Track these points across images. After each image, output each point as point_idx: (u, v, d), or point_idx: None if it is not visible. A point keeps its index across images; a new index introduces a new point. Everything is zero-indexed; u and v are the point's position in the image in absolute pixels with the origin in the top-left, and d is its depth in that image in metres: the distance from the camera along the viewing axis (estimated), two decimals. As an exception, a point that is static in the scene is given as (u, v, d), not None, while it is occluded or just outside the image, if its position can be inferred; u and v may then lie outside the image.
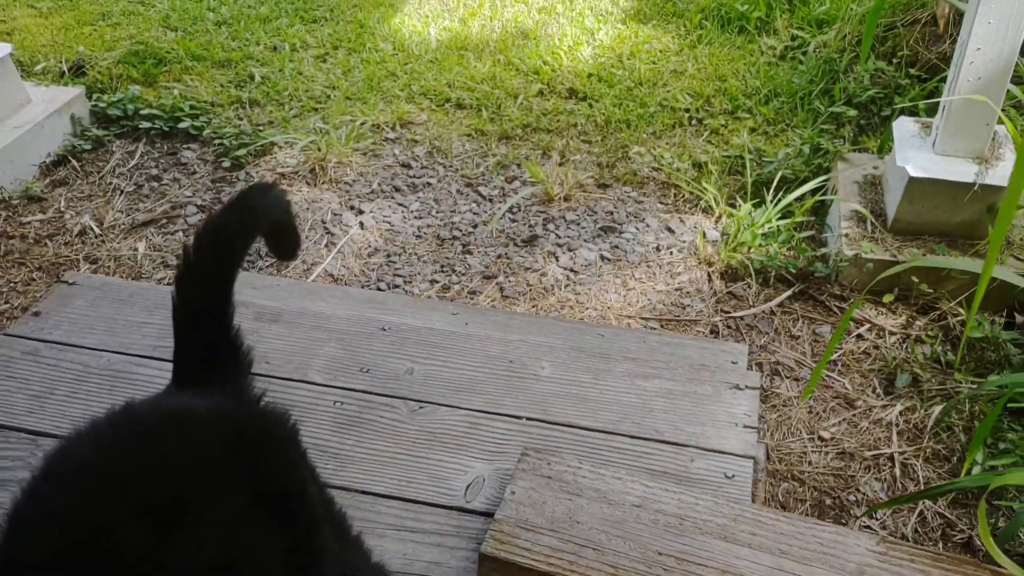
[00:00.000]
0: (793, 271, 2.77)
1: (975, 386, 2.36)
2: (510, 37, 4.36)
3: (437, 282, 2.85)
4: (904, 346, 2.54)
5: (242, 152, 3.42)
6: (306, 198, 3.22)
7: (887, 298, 2.65)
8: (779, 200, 2.95)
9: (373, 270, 2.90)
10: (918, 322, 2.60)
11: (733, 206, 3.09)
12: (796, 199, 2.95)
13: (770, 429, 2.32)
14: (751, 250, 2.84)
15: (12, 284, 2.82)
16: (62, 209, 3.17)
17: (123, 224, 3.11)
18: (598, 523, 1.65)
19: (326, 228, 3.08)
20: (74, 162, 3.41)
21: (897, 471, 2.21)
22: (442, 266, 2.92)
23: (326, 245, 3.01)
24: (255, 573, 1.05)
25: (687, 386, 2.10)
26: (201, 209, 3.18)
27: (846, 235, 2.73)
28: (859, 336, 2.60)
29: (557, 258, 2.95)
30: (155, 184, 3.32)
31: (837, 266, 2.70)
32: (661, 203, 3.21)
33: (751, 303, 2.73)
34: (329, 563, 1.13)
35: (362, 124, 3.64)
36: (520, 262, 2.93)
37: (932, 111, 3.01)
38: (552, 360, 2.21)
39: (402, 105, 3.81)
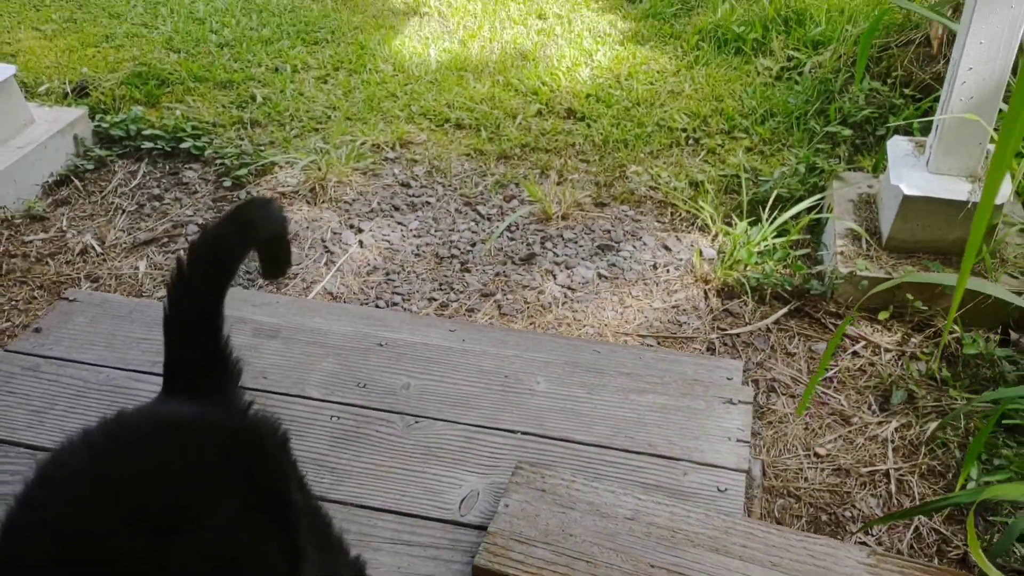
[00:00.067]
0: (789, 289, 2.79)
1: (969, 402, 2.37)
2: (509, 58, 4.40)
3: (435, 300, 2.87)
4: (900, 363, 2.56)
5: (243, 172, 3.45)
6: (306, 217, 3.24)
7: (883, 316, 2.66)
8: (775, 218, 2.97)
9: (372, 288, 2.92)
10: (913, 339, 2.62)
11: (729, 224, 3.11)
12: (792, 217, 2.98)
13: (766, 446, 2.33)
14: (747, 268, 2.86)
15: (14, 302, 2.84)
16: (64, 228, 3.20)
17: (124, 243, 3.14)
18: (591, 536, 1.66)
19: (326, 247, 3.11)
20: (76, 182, 3.44)
21: (893, 487, 2.22)
22: (440, 284, 2.94)
23: (325, 264, 3.03)
24: (257, 574, 1.07)
25: (681, 401, 2.11)
26: (202, 228, 3.21)
27: (841, 253, 2.75)
28: (855, 353, 2.61)
29: (555, 276, 2.97)
30: (156, 203, 3.35)
31: (832, 284, 2.72)
32: (658, 222, 3.24)
33: (747, 320, 2.75)
34: (310, 570, 1.14)
35: (362, 144, 3.68)
36: (518, 280, 2.95)
37: (926, 130, 3.04)
38: (547, 375, 2.22)
39: (402, 125, 3.84)
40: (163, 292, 2.86)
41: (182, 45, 4.50)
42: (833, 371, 2.55)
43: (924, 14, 3.42)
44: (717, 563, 1.59)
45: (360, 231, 3.19)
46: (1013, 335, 2.55)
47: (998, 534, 2.06)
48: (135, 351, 2.33)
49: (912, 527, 2.12)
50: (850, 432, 2.37)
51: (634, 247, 3.10)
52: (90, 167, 3.52)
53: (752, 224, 3.03)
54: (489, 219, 3.27)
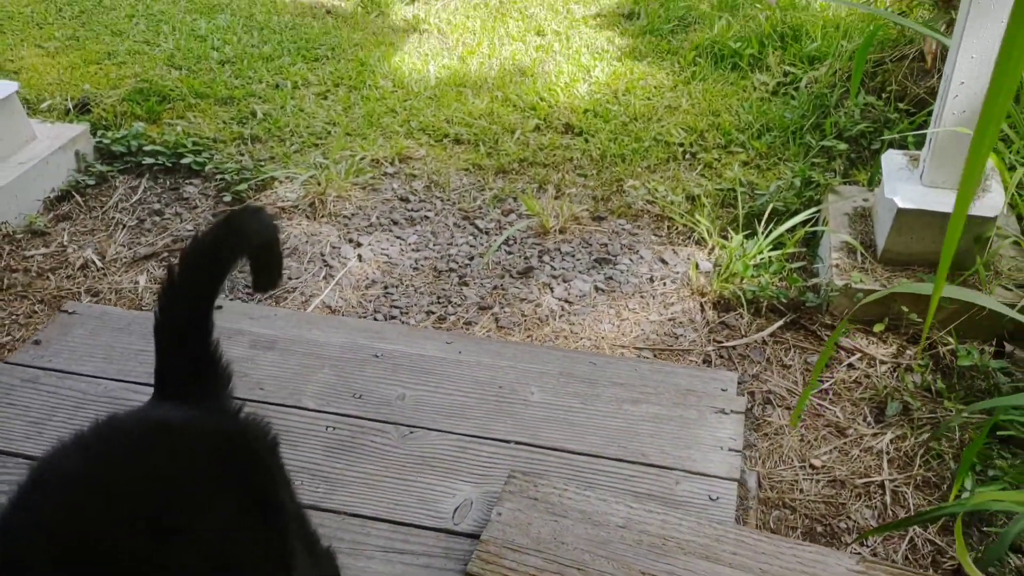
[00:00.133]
0: (784, 301, 2.80)
1: (960, 413, 2.37)
2: (508, 74, 4.44)
3: (433, 313, 2.88)
4: (895, 375, 2.56)
5: (243, 187, 3.47)
6: (305, 231, 3.27)
7: (878, 328, 2.67)
8: (771, 232, 2.99)
9: (370, 301, 2.94)
10: (908, 351, 2.62)
11: (725, 238, 3.13)
12: (787, 231, 2.99)
13: (762, 457, 2.33)
14: (743, 281, 2.88)
15: (14, 317, 2.86)
16: (65, 243, 3.23)
17: (125, 257, 3.16)
18: (583, 543, 1.67)
19: (324, 261, 3.13)
20: (78, 197, 3.47)
21: (888, 498, 2.22)
22: (438, 298, 2.96)
23: (324, 277, 3.05)
24: (255, 574, 1.08)
25: (673, 410, 2.12)
26: (193, 235, 3.23)
27: (837, 266, 2.76)
28: (850, 365, 2.62)
29: (552, 289, 2.98)
30: (157, 218, 3.37)
31: (828, 296, 2.73)
32: (655, 235, 3.25)
33: (743, 333, 2.76)
34: (301, 570, 1.15)
35: (361, 159, 3.71)
36: (515, 293, 2.96)
37: (920, 144, 3.06)
38: (542, 386, 2.23)
39: (401, 140, 3.87)
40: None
41: (184, 62, 4.54)
42: (828, 383, 2.56)
43: (918, 29, 3.45)
44: (708, 570, 1.59)
45: (359, 245, 3.21)
46: (1007, 347, 2.56)
47: (993, 544, 2.07)
48: (133, 363, 2.35)
49: (907, 538, 2.12)
50: (845, 443, 2.38)
51: (631, 260, 3.11)
52: (91, 182, 3.55)
53: (748, 237, 3.04)
54: (487, 233, 3.29)
